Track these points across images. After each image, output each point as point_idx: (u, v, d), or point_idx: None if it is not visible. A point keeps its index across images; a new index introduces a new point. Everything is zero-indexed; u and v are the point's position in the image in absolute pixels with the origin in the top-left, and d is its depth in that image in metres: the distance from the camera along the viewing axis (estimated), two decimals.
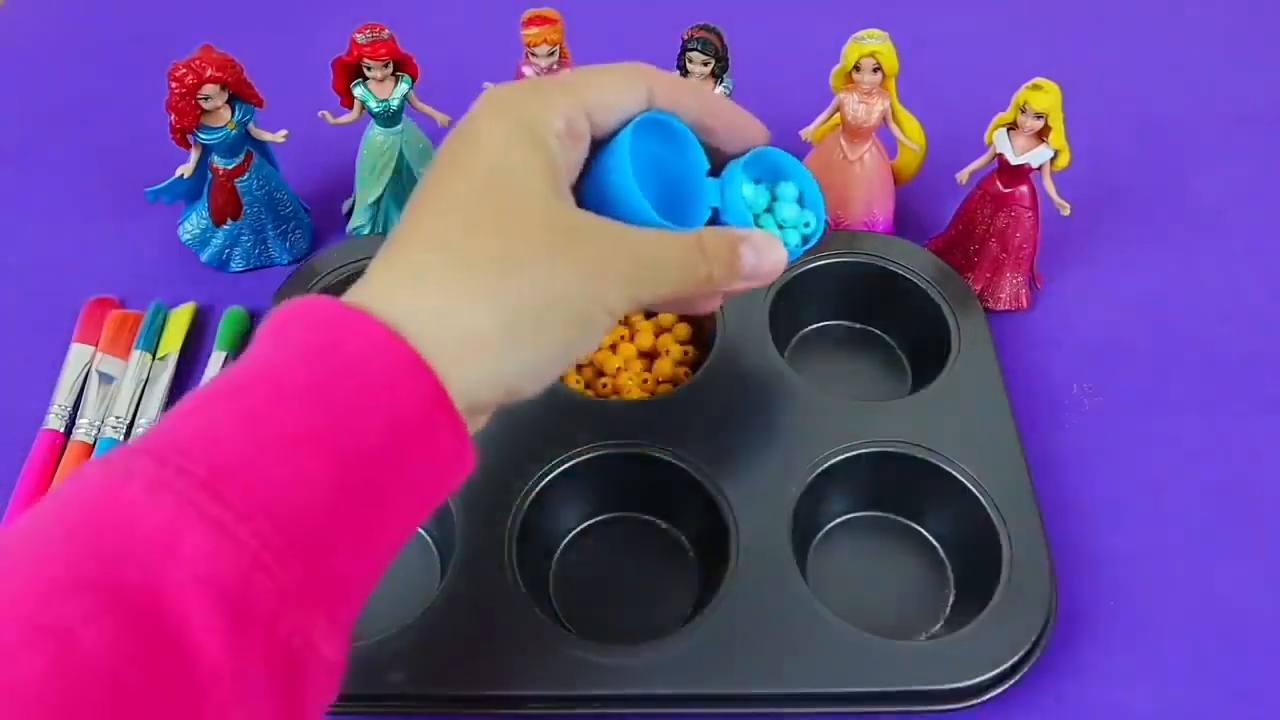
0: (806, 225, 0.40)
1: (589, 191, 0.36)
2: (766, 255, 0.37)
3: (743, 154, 0.39)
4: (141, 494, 0.26)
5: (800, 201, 0.40)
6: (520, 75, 0.57)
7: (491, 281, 0.31)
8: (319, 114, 0.57)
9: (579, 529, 0.48)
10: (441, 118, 0.58)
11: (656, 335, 0.54)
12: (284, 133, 0.56)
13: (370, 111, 0.56)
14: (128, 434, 0.51)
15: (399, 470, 0.29)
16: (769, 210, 0.39)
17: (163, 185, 0.57)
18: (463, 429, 0.31)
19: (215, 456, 0.27)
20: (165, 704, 0.25)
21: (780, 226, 0.39)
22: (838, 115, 0.56)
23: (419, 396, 0.29)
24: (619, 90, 0.36)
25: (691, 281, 0.35)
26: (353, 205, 0.61)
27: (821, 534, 0.48)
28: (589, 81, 0.35)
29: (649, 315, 0.56)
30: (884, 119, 0.55)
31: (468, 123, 0.34)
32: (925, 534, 0.48)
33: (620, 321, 0.55)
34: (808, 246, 0.40)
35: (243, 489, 0.27)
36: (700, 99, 0.38)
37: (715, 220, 0.38)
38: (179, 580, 0.25)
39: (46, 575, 0.25)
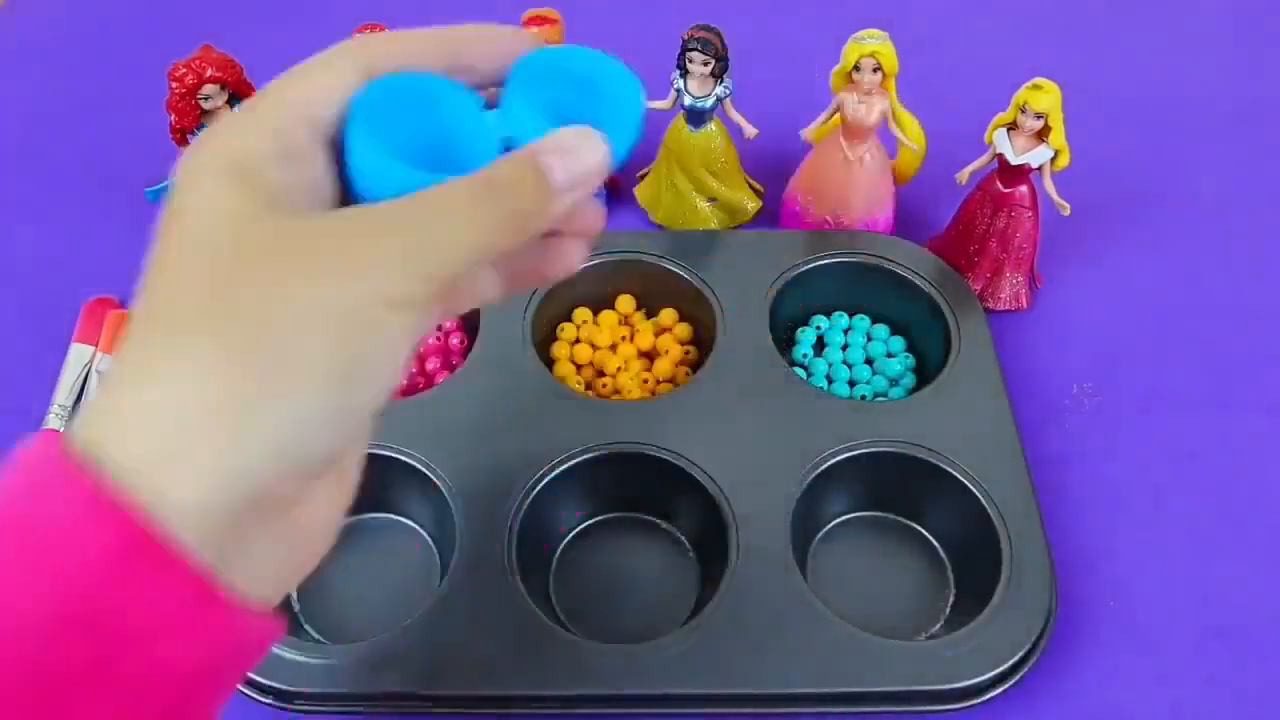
0: (619, 112, 0.32)
1: (356, 201, 0.30)
2: (581, 154, 0.30)
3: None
4: None
5: (599, 90, 0.32)
6: None
7: (206, 341, 0.25)
8: None
9: (579, 529, 0.48)
10: None
11: (656, 335, 0.54)
12: None
13: None
14: None
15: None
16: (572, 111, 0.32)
17: (163, 185, 0.57)
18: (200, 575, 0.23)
19: None
20: None
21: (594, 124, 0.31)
22: (838, 115, 0.56)
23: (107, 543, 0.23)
24: (322, 79, 0.30)
25: (497, 227, 0.29)
26: None
27: (821, 534, 0.48)
28: (284, 88, 0.30)
29: (650, 315, 0.56)
30: (884, 119, 0.55)
31: (171, 187, 0.28)
32: (925, 534, 0.48)
33: (620, 321, 0.55)
34: (630, 139, 0.31)
35: None
36: (424, 40, 0.32)
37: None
38: None
39: None
